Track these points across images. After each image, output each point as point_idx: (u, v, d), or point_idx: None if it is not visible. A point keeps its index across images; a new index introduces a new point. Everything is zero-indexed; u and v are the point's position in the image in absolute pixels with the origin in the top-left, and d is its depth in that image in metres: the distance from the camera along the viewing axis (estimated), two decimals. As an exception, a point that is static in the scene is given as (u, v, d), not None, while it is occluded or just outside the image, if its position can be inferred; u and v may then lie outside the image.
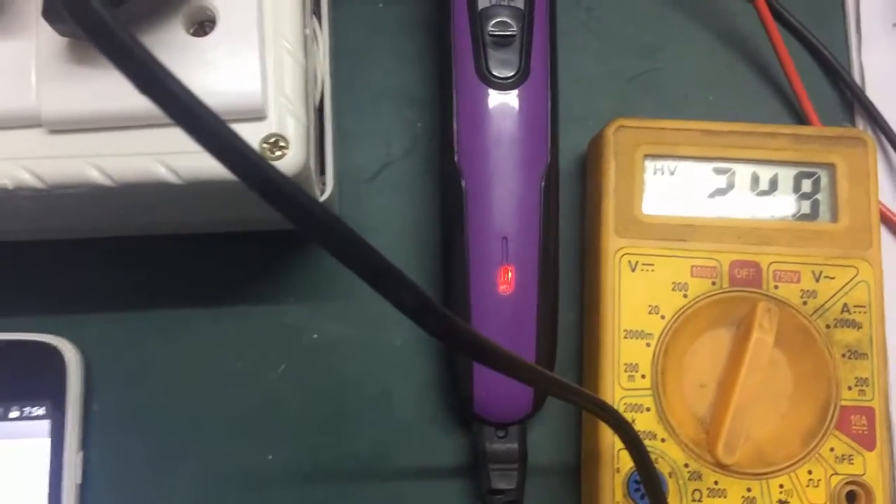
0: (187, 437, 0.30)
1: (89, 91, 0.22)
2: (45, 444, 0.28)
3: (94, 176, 0.22)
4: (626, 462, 0.27)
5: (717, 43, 0.34)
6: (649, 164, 0.29)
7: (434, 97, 0.32)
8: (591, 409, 0.23)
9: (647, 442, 0.27)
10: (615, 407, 0.27)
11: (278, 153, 0.23)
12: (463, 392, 0.28)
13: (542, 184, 0.28)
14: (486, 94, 0.28)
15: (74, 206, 0.24)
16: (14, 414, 0.28)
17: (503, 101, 0.28)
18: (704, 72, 0.34)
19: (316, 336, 0.31)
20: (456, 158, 0.28)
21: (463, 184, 0.28)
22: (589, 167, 0.31)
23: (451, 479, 0.30)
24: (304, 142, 0.23)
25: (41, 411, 0.28)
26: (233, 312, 0.31)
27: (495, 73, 0.28)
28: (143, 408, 0.30)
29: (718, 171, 0.29)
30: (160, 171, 0.22)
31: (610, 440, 0.27)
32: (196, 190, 0.23)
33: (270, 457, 0.30)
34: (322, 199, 0.27)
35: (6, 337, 0.29)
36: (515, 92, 0.28)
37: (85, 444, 0.29)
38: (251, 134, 0.23)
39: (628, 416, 0.27)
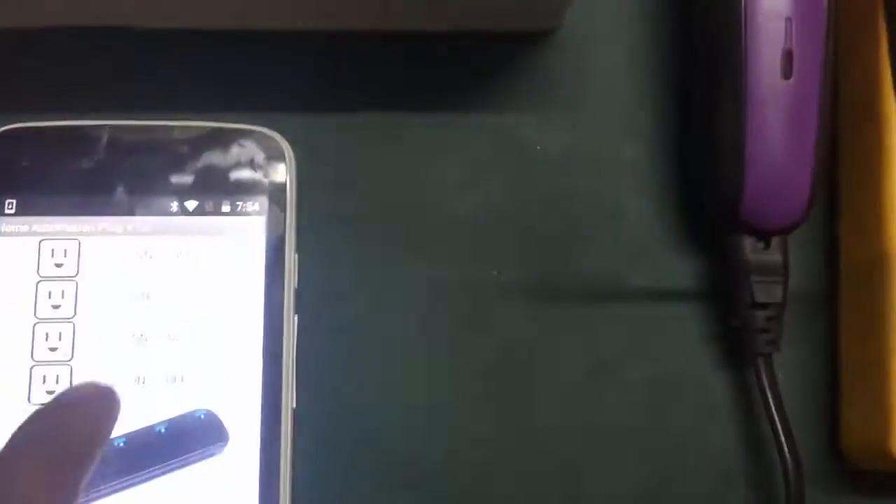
0: (406, 249, 0.27)
1: None
2: (262, 241, 0.25)
3: None
4: (921, 267, 0.24)
5: None
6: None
7: None
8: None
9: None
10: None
11: None
12: (728, 197, 0.25)
13: (828, -39, 0.25)
14: None
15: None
16: (226, 208, 0.25)
17: None
18: None
19: (540, 147, 0.28)
20: (731, -69, 0.25)
21: (739, -40, 0.25)
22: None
23: (689, 301, 0.27)
24: None
25: (256, 207, 0.26)
26: (452, 119, 0.28)
27: None
28: (356, 216, 0.27)
29: None
30: None
31: (902, 243, 0.24)
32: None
33: (495, 272, 0.27)
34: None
35: (218, 125, 0.26)
36: None
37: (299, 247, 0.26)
38: None
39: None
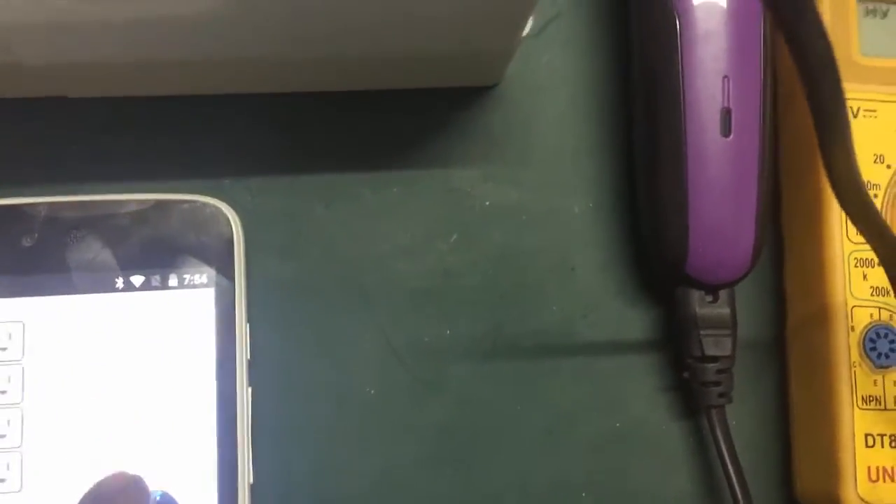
0: (355, 312, 0.27)
1: None
2: (211, 314, 0.25)
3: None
4: (861, 319, 0.25)
5: None
6: (860, 6, 0.27)
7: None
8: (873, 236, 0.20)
9: (880, 299, 0.25)
10: (845, 263, 0.25)
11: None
12: (673, 253, 0.26)
13: (762, 17, 0.25)
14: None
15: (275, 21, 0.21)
16: (174, 282, 0.25)
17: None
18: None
19: (488, 203, 0.28)
20: (669, -9, 0.25)
21: (676, 20, 0.25)
22: (790, 12, 0.28)
23: (642, 353, 0.28)
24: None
25: (204, 279, 0.25)
26: (397, 177, 0.28)
27: None
28: (305, 280, 0.27)
29: (933, 14, 0.27)
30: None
31: (841, 297, 0.25)
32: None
33: (448, 331, 0.27)
34: (525, 32, 0.25)
35: (163, 197, 0.26)
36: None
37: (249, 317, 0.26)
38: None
39: (859, 271, 0.25)
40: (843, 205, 0.19)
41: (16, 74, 0.25)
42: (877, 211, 0.19)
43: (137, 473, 0.22)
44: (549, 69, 0.29)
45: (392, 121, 0.28)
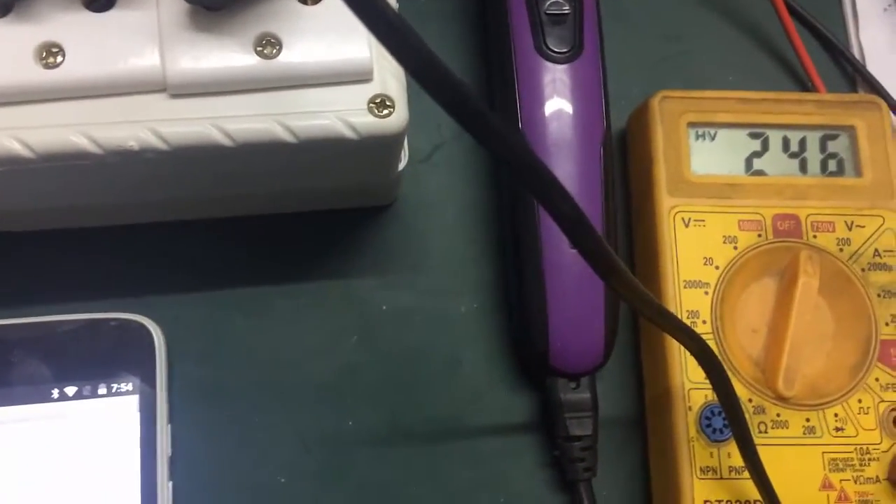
0: (269, 408, 0.31)
1: (211, 57, 0.23)
2: (136, 418, 0.29)
3: (216, 136, 0.23)
4: (696, 399, 0.29)
5: (733, 29, 0.37)
6: (691, 131, 0.32)
7: (477, 80, 0.35)
8: (680, 335, 0.25)
9: (713, 381, 0.29)
10: (681, 352, 0.29)
11: (385, 112, 0.24)
12: (539, 347, 0.30)
13: (602, 148, 0.30)
14: (546, 68, 0.30)
15: (184, 172, 0.26)
16: (103, 390, 0.29)
17: (562, 74, 0.30)
18: (722, 55, 0.37)
19: (385, 307, 0.32)
20: (520, 127, 0.30)
21: (529, 151, 0.30)
22: (634, 136, 0.33)
23: (523, 434, 0.32)
24: (406, 101, 0.25)
25: (129, 387, 0.29)
26: (306, 288, 0.32)
27: (553, 49, 0.30)
28: (224, 382, 0.31)
29: (753, 136, 0.32)
30: (277, 130, 0.24)
31: (680, 380, 0.29)
32: (306, 151, 0.24)
33: (350, 422, 0.31)
34: (400, 168, 0.29)
35: (93, 316, 0.29)
36: (572, 64, 0.30)
37: (171, 418, 0.30)
38: (360, 95, 0.24)
39: (693, 359, 0.29)
40: (645, 318, 0.23)
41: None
42: (669, 313, 0.24)
43: None
44: (437, 189, 0.34)
45: (301, 239, 0.32)
